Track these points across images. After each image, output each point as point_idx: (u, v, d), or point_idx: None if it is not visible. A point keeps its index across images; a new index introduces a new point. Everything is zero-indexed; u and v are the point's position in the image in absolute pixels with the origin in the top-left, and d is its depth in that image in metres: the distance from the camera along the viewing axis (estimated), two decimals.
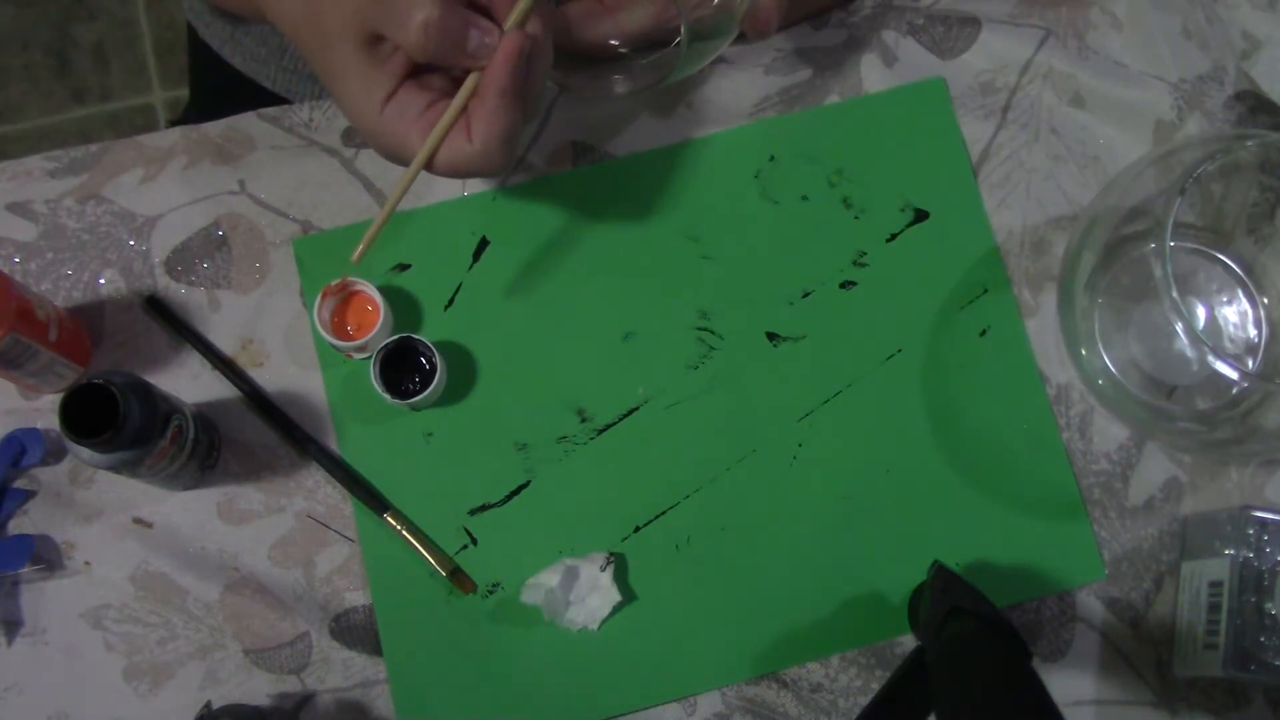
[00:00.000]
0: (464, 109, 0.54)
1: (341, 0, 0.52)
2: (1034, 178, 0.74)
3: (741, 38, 0.63)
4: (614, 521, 0.69)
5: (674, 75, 0.61)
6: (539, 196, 0.72)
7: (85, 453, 0.59)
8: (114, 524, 0.68)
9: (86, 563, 0.68)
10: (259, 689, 0.67)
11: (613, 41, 0.63)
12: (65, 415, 0.58)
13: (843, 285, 0.72)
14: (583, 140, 0.73)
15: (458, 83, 0.55)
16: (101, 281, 0.71)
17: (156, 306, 0.70)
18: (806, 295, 0.72)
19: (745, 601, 0.69)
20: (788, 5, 0.63)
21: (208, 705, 0.65)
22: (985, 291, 0.72)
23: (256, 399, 0.69)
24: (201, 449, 0.66)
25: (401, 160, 0.56)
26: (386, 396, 0.67)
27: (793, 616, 0.68)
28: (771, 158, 0.73)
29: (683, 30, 0.56)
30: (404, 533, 0.68)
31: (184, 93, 1.56)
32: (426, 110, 0.54)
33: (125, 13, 1.61)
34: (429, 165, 0.55)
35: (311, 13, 0.54)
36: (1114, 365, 0.70)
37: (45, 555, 0.67)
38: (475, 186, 0.73)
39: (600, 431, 0.70)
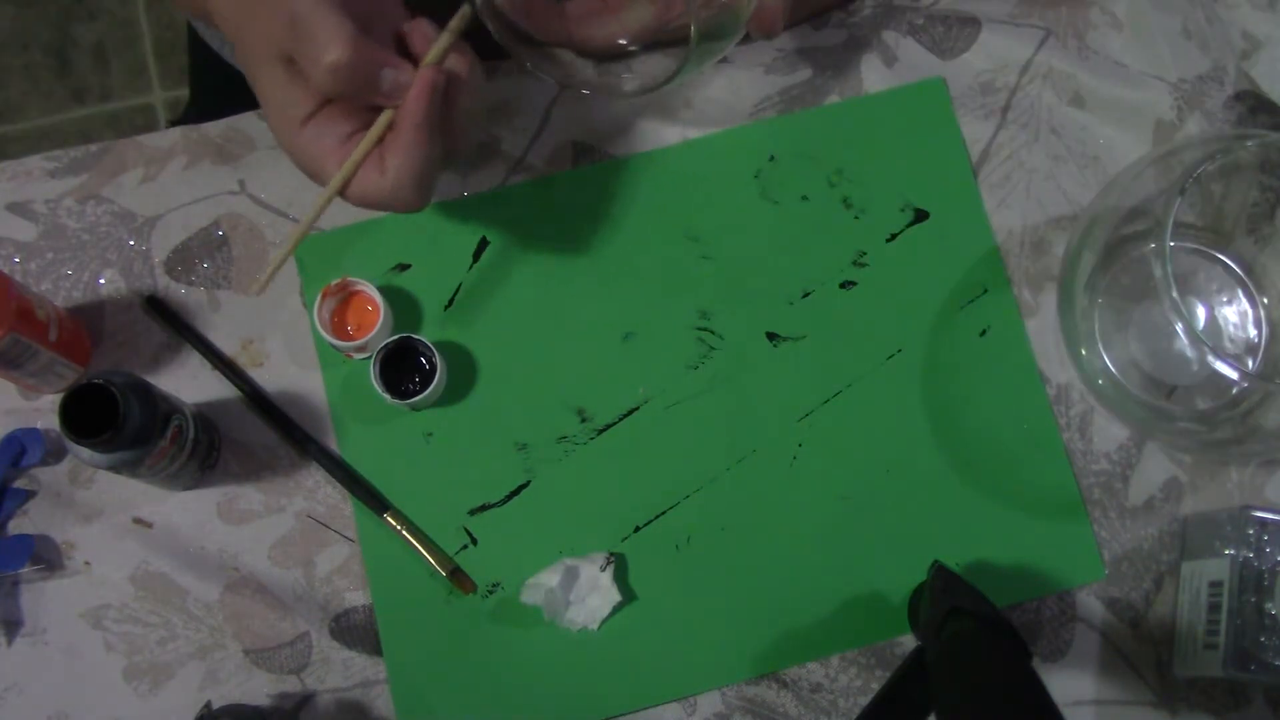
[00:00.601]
0: (379, 141, 0.54)
1: (264, 22, 0.52)
2: (1034, 178, 0.74)
3: (746, 38, 0.63)
4: (614, 521, 0.69)
5: (682, 74, 0.61)
6: (539, 196, 0.72)
7: (85, 453, 0.59)
8: (114, 524, 0.68)
9: (86, 563, 0.68)
10: (259, 689, 0.67)
11: (620, 41, 0.63)
12: (65, 415, 0.58)
13: (843, 285, 0.72)
14: (583, 140, 0.73)
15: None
16: (101, 281, 0.71)
17: (156, 306, 0.70)
18: (806, 295, 0.72)
19: (745, 601, 0.69)
20: (792, 6, 0.62)
21: (208, 705, 0.65)
22: (985, 291, 0.72)
23: (256, 399, 0.69)
24: (201, 449, 0.66)
25: (318, 181, 0.56)
26: (386, 396, 0.67)
27: (793, 616, 0.68)
28: (771, 158, 0.73)
29: (693, 29, 0.56)
30: (404, 533, 0.68)
31: (184, 93, 1.56)
32: (347, 140, 0.54)
33: (125, 13, 1.61)
34: (342, 194, 0.55)
35: (243, 29, 0.54)
36: (1114, 365, 0.70)
37: (45, 555, 0.67)
38: (475, 187, 0.73)
39: (600, 431, 0.70)
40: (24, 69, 1.60)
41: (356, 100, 0.53)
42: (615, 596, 0.67)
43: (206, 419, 0.68)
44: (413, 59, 0.54)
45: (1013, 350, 0.72)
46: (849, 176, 0.73)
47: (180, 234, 0.71)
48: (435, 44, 0.54)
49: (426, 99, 0.53)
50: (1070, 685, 0.68)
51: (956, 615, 0.58)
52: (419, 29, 0.54)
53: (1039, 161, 0.74)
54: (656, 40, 0.63)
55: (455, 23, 0.54)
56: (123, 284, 0.71)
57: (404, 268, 0.71)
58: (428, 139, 0.53)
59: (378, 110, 0.54)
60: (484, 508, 0.69)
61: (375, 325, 0.67)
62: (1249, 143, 0.63)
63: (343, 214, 0.72)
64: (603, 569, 0.67)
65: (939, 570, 0.64)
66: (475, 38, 0.56)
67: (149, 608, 0.67)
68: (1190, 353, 0.70)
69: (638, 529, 0.69)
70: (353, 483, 0.68)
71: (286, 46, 0.52)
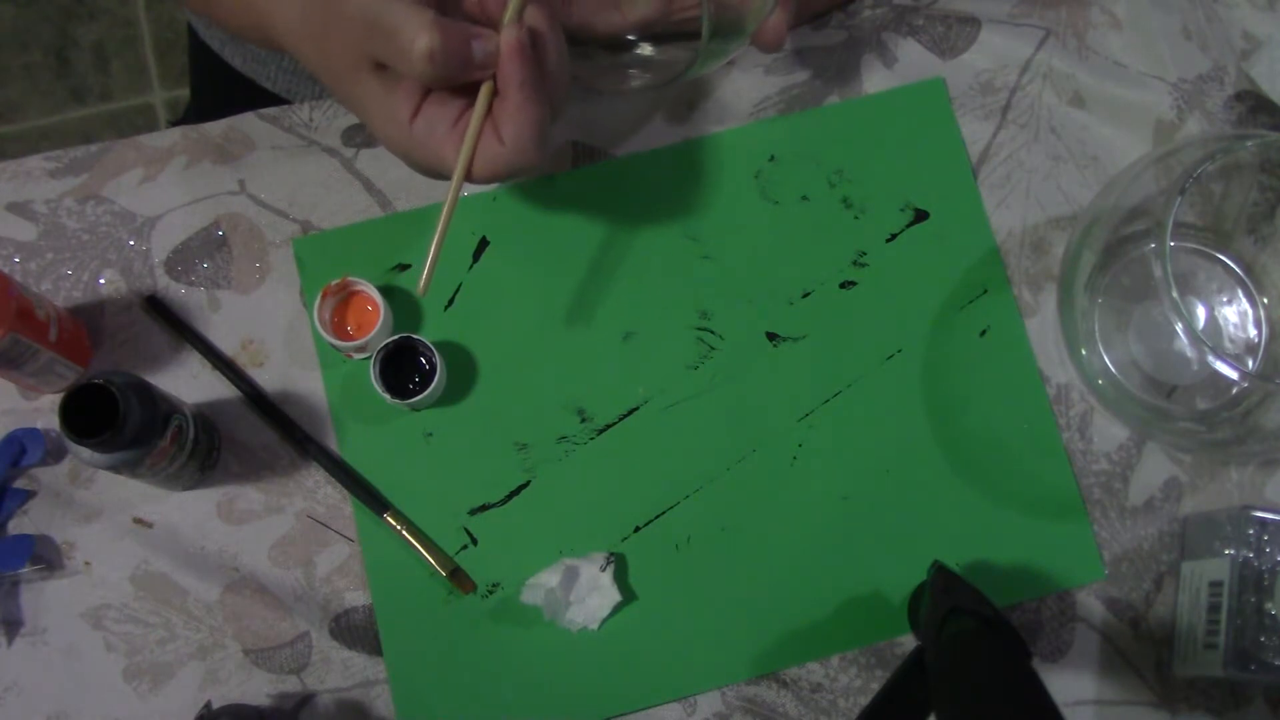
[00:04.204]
0: (488, 113, 0.54)
1: (343, 33, 0.52)
2: (1034, 178, 0.74)
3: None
4: (614, 521, 0.69)
5: (691, 72, 0.61)
6: (539, 196, 0.72)
7: (85, 453, 0.59)
8: (114, 524, 0.68)
9: (86, 563, 0.68)
10: (259, 689, 0.67)
11: (630, 37, 0.62)
12: (65, 415, 0.58)
13: (843, 285, 0.72)
14: (583, 140, 0.73)
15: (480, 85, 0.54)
16: (101, 281, 0.71)
17: (156, 306, 0.70)
18: (806, 295, 0.72)
19: (745, 601, 0.69)
20: (795, 14, 0.62)
21: (208, 705, 0.65)
22: (985, 291, 0.72)
23: (256, 399, 0.69)
24: (201, 449, 0.66)
25: (440, 175, 0.55)
26: (386, 396, 0.67)
27: (793, 616, 0.68)
28: (771, 158, 0.73)
29: (704, 22, 0.56)
30: (404, 533, 0.68)
31: (184, 93, 1.56)
32: (456, 123, 0.54)
33: (125, 13, 1.61)
34: (468, 176, 0.54)
35: (321, 49, 0.54)
36: (1114, 365, 0.70)
37: (45, 555, 0.67)
38: (475, 187, 0.73)
39: (600, 431, 0.70)
40: (24, 69, 1.60)
41: (454, 81, 0.52)
42: (615, 596, 0.67)
43: (206, 419, 0.68)
44: (490, 24, 0.53)
45: (1013, 350, 0.72)
46: (849, 176, 0.73)
47: (180, 234, 0.71)
48: (510, 4, 0.53)
49: (520, 59, 0.52)
50: (1070, 685, 0.68)
51: (956, 615, 0.58)
52: None
53: (1039, 161, 0.74)
54: (664, 37, 0.63)
55: None
56: (123, 284, 0.71)
57: (404, 268, 0.71)
58: (534, 96, 0.53)
59: (475, 87, 0.54)
60: (484, 508, 0.69)
61: (375, 325, 0.67)
62: (1249, 143, 0.63)
63: (343, 214, 0.72)
64: (603, 569, 0.67)
65: (939, 570, 0.64)
66: None
67: (149, 608, 0.67)
68: (1190, 353, 0.70)
69: (638, 529, 0.69)
70: (353, 483, 0.68)
71: (371, 52, 0.51)
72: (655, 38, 0.63)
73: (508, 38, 0.52)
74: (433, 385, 0.67)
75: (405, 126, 0.53)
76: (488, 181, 0.55)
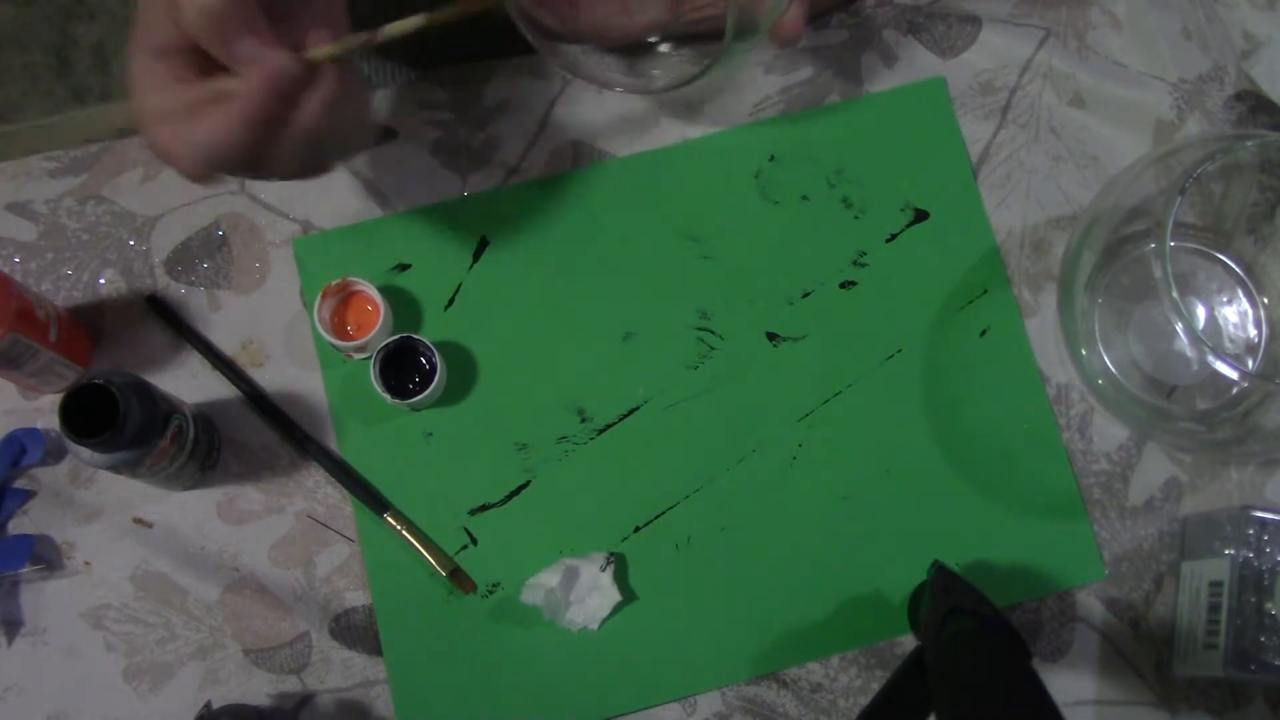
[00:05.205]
0: (212, 102, 0.50)
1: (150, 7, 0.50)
2: (1034, 178, 0.74)
3: None
4: (614, 521, 0.69)
5: (708, 73, 0.61)
6: (539, 196, 0.72)
7: (85, 453, 0.59)
8: (114, 524, 0.68)
9: (86, 563, 0.68)
10: (259, 689, 0.67)
11: (651, 39, 0.63)
12: (65, 415, 0.58)
13: (843, 285, 0.72)
14: (583, 140, 0.73)
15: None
16: (101, 281, 0.71)
17: (157, 306, 0.70)
18: (806, 295, 0.72)
19: (745, 601, 0.68)
20: (809, 12, 0.63)
21: (208, 705, 0.65)
22: (985, 291, 0.72)
23: (256, 399, 0.69)
24: (201, 449, 0.66)
25: (133, 107, 0.52)
26: (386, 396, 0.67)
27: (793, 616, 0.68)
28: (771, 158, 0.73)
29: (729, 21, 0.56)
30: (404, 533, 0.68)
31: None
32: (174, 84, 0.50)
33: (125, 13, 1.61)
34: (151, 129, 0.51)
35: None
36: (1114, 365, 0.70)
37: (45, 555, 0.67)
38: (475, 187, 0.73)
39: (600, 431, 0.70)
40: (24, 69, 1.60)
41: (207, 46, 0.50)
42: (615, 596, 0.67)
43: (206, 419, 0.68)
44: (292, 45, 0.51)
45: (1013, 350, 0.72)
46: (849, 176, 0.73)
47: (180, 234, 0.71)
48: (323, 46, 0.51)
49: (267, 81, 0.49)
50: (1070, 685, 0.68)
51: (956, 615, 0.58)
52: (323, 37, 0.52)
53: (1039, 161, 0.74)
54: (682, 38, 0.63)
55: (352, 39, 0.52)
56: (123, 284, 0.71)
57: (404, 268, 0.71)
58: (242, 122, 0.50)
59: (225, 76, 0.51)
60: (484, 508, 0.69)
61: (375, 325, 0.67)
62: (1249, 143, 0.63)
63: (343, 214, 0.72)
64: (603, 569, 0.67)
65: (939, 570, 0.64)
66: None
67: (149, 608, 0.67)
68: (1190, 353, 0.70)
69: (637, 529, 0.69)
70: (353, 483, 0.68)
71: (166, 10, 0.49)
72: (672, 39, 0.63)
73: (275, 61, 0.50)
74: (433, 385, 0.67)
75: (147, 50, 0.51)
76: (152, 145, 0.51)
